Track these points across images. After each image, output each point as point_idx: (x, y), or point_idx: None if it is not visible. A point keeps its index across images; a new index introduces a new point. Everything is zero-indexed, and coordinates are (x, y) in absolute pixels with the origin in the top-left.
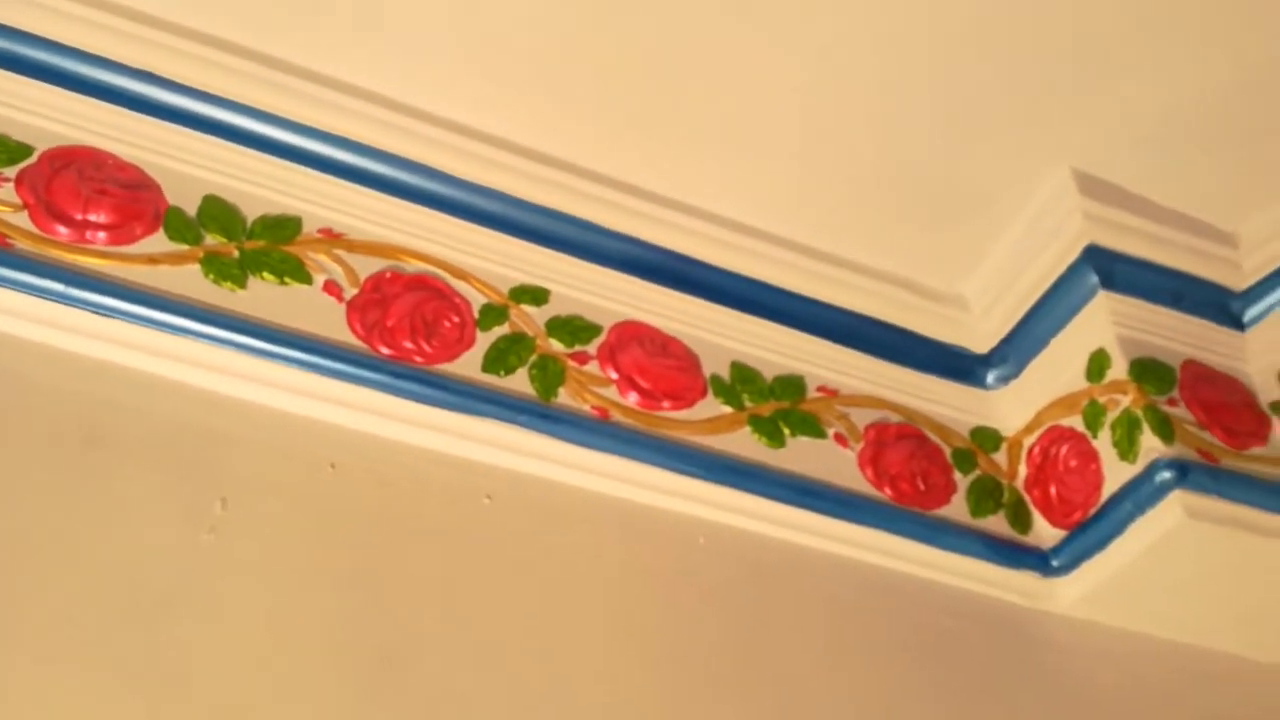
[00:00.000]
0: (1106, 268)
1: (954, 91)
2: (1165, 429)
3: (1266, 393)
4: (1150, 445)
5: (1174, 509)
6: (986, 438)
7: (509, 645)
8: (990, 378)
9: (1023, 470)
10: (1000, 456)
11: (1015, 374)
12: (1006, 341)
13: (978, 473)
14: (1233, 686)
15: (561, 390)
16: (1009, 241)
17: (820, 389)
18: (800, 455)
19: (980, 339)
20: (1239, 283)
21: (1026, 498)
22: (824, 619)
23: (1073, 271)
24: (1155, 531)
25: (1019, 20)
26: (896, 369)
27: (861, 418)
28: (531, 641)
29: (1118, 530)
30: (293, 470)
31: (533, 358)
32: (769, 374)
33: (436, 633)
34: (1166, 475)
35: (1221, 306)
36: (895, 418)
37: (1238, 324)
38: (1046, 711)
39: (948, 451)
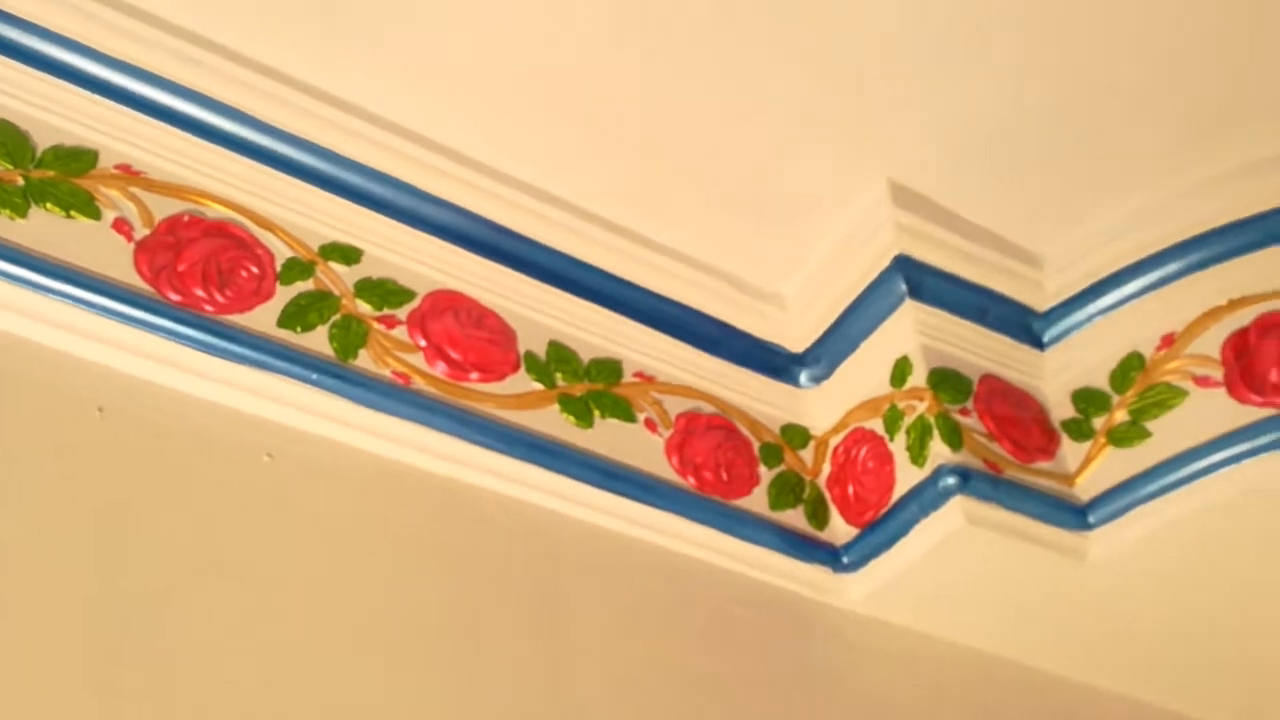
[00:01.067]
0: (915, 278)
1: (780, 95)
2: (954, 437)
3: (1059, 410)
4: (939, 451)
5: (955, 514)
6: (796, 434)
7: (271, 608)
8: (803, 377)
9: (827, 468)
10: (807, 453)
11: (827, 375)
12: (820, 343)
13: (782, 468)
14: (1006, 689)
15: (362, 352)
16: (827, 246)
17: (637, 374)
18: (608, 438)
19: (796, 338)
20: (1041, 303)
21: (827, 495)
22: (616, 601)
23: (882, 280)
24: (937, 534)
25: (839, 27)
26: (714, 361)
27: (675, 405)
28: (300, 606)
29: (903, 531)
30: (57, 410)
31: (335, 317)
32: (586, 355)
33: (191, 589)
34: (950, 481)
35: (1024, 325)
36: (709, 408)
37: (1038, 343)
38: (826, 702)
39: (756, 445)
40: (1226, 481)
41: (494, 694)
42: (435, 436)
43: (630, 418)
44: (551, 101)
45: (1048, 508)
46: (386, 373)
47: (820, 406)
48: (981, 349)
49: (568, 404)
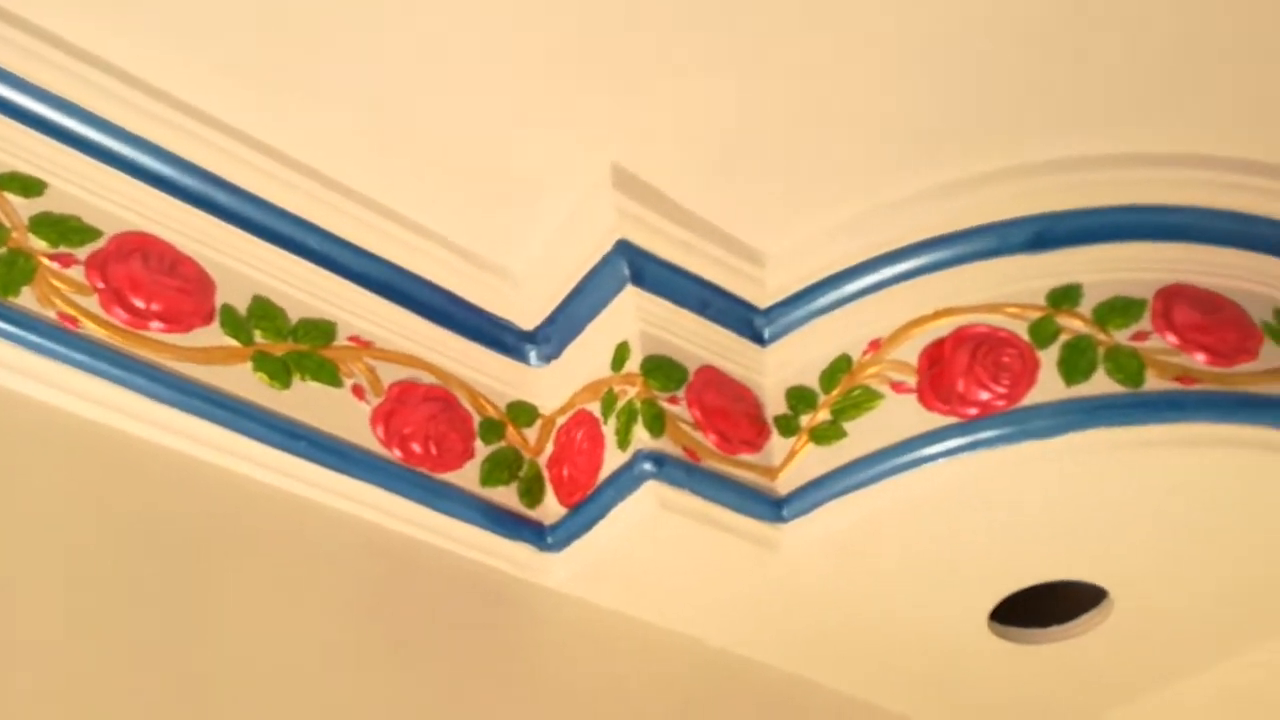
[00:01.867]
0: (637, 265)
1: (512, 66)
2: (656, 423)
3: (774, 406)
4: (640, 436)
5: (648, 498)
6: (522, 412)
7: None
8: (534, 355)
9: (550, 448)
10: (532, 432)
11: (556, 354)
12: (550, 322)
13: (501, 444)
14: (705, 674)
15: (26, 289)
16: (556, 224)
17: (353, 338)
18: (305, 401)
19: (526, 315)
20: (762, 300)
21: (546, 474)
22: (295, 569)
23: (606, 264)
24: (632, 517)
25: (578, 2)
26: (439, 331)
27: (391, 373)
28: None
29: (603, 513)
30: None
31: (0, 250)
32: (296, 314)
33: None
34: (646, 466)
35: (746, 320)
36: (429, 379)
37: (759, 339)
38: (520, 679)
39: (477, 420)
40: (910, 482)
41: (134, 654)
42: (102, 385)
43: (335, 382)
44: (272, 51)
45: (743, 498)
46: (51, 314)
47: (550, 386)
48: (702, 340)
49: (263, 362)
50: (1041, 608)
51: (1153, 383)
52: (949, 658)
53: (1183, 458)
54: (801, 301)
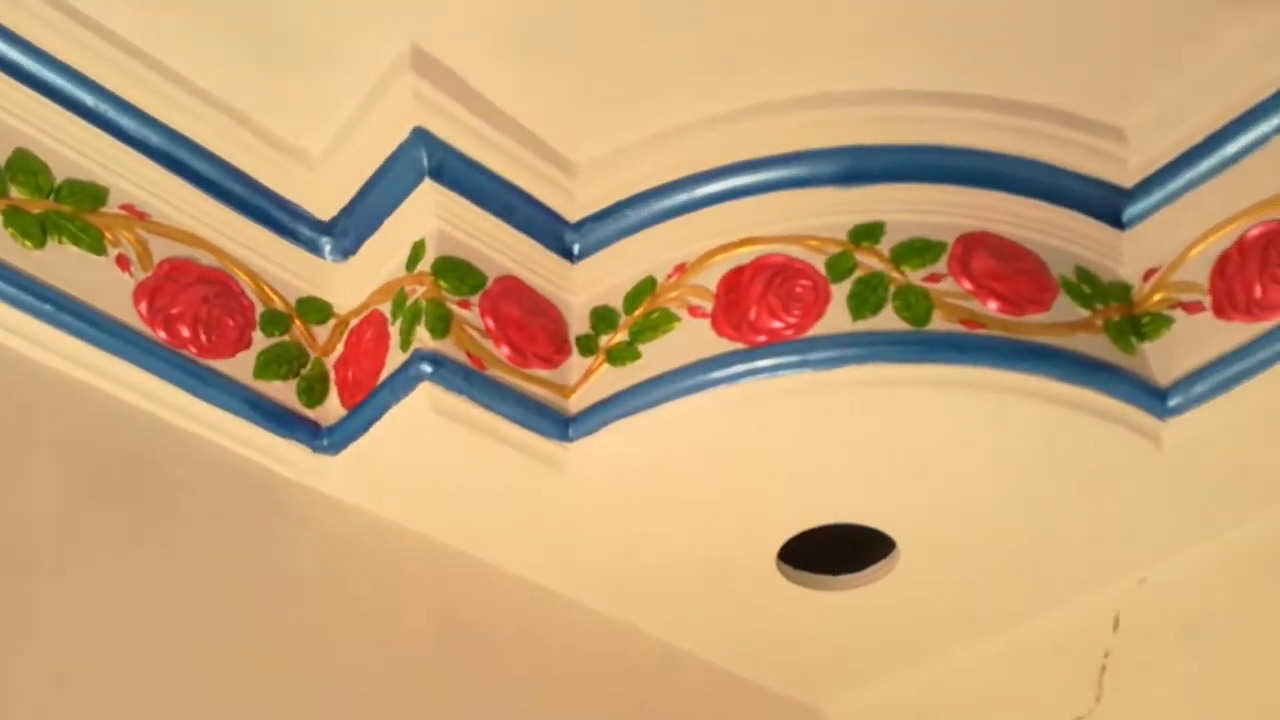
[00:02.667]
0: (437, 157)
1: None
2: (440, 325)
3: (579, 326)
4: (422, 337)
5: (422, 400)
6: (314, 308)
7: None
8: (329, 249)
9: (340, 349)
10: (323, 331)
11: (354, 250)
12: (346, 213)
13: (284, 339)
14: (470, 585)
15: None
16: (352, 104)
17: (125, 206)
18: (60, 265)
19: (323, 204)
20: (572, 213)
21: (332, 375)
22: (42, 436)
23: (403, 153)
24: (406, 420)
25: None
26: (228, 212)
27: (164, 249)
28: None
29: (378, 415)
30: None
31: None
32: (62, 173)
33: None
34: (423, 367)
35: (555, 234)
36: (208, 260)
37: (569, 254)
38: (279, 580)
39: (259, 310)
40: (694, 406)
41: None
42: None
43: (98, 249)
44: None
45: (529, 413)
46: None
47: (347, 285)
48: (506, 248)
49: (14, 218)
50: (842, 557)
51: (938, 323)
52: (738, 597)
53: (964, 402)
54: (612, 218)
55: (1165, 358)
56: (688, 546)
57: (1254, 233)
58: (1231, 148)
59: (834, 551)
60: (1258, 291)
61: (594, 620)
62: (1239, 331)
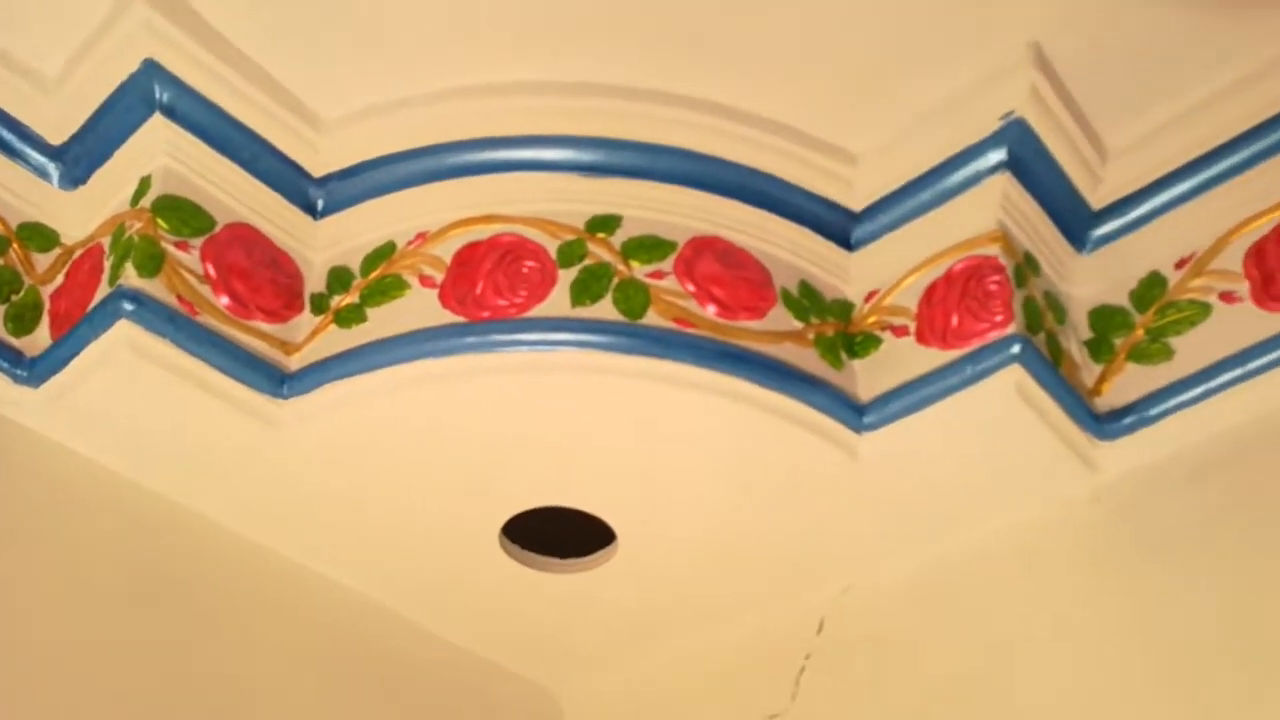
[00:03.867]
0: (169, 94)
1: None
2: (150, 264)
3: (316, 284)
4: (129, 273)
5: (119, 338)
6: (36, 235)
7: None
8: (57, 175)
9: (60, 280)
10: (45, 259)
11: (84, 179)
12: (78, 140)
13: None
14: (176, 537)
15: None
16: (88, 28)
17: None
18: None
19: (54, 128)
20: (316, 169)
21: (46, 305)
22: None
23: (133, 84)
24: (102, 357)
25: None
26: None
27: None
28: None
29: (78, 350)
30: None
31: None
32: None
33: None
34: (124, 304)
35: (298, 188)
36: None
37: (311, 210)
38: None
39: None
40: (408, 375)
41: None
42: None
43: None
44: None
45: (242, 365)
46: None
47: (75, 214)
48: (244, 195)
49: None
50: (578, 542)
51: (652, 318)
52: (463, 571)
53: (673, 399)
54: (357, 177)
55: (870, 376)
56: (408, 515)
57: (959, 266)
58: (950, 182)
59: (571, 535)
60: (954, 321)
61: (312, 582)
62: (934, 357)
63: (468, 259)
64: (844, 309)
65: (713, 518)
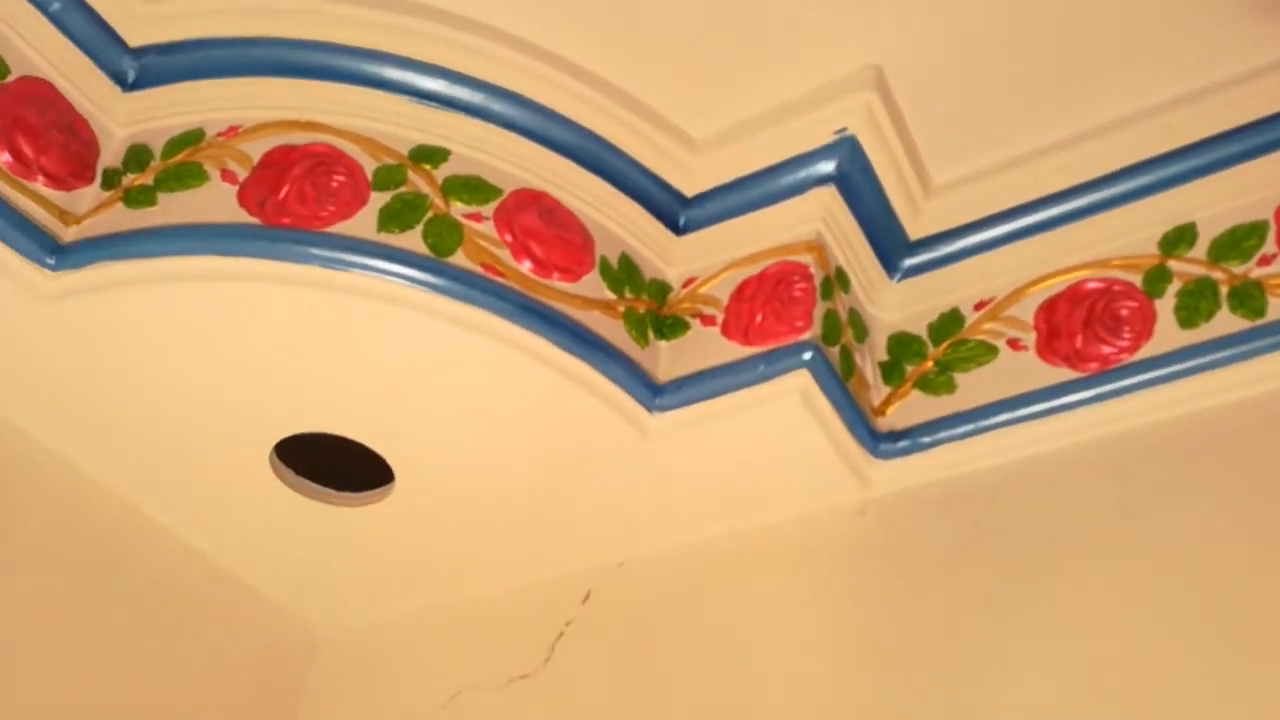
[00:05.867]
0: None
1: None
2: None
3: (112, 158)
4: None
5: None
6: None
7: None
8: None
9: None
10: None
11: None
12: None
13: None
14: None
15: None
16: None
17: None
18: None
19: None
20: (133, 39)
21: None
22: None
23: None
24: None
25: None
26: None
27: None
28: None
29: None
30: None
31: None
32: None
33: None
34: None
35: (110, 54)
36: None
37: (122, 80)
38: None
39: None
40: (191, 267)
41: None
42: None
43: None
44: None
45: (11, 225)
46: None
47: None
48: (45, 48)
49: None
50: (358, 482)
51: (459, 259)
52: (227, 488)
53: (470, 346)
54: (175, 54)
55: (673, 359)
56: (172, 419)
57: (773, 268)
58: (780, 185)
59: (357, 472)
60: (758, 319)
61: (59, 471)
62: (733, 350)
63: (277, 161)
64: (661, 289)
65: (495, 473)
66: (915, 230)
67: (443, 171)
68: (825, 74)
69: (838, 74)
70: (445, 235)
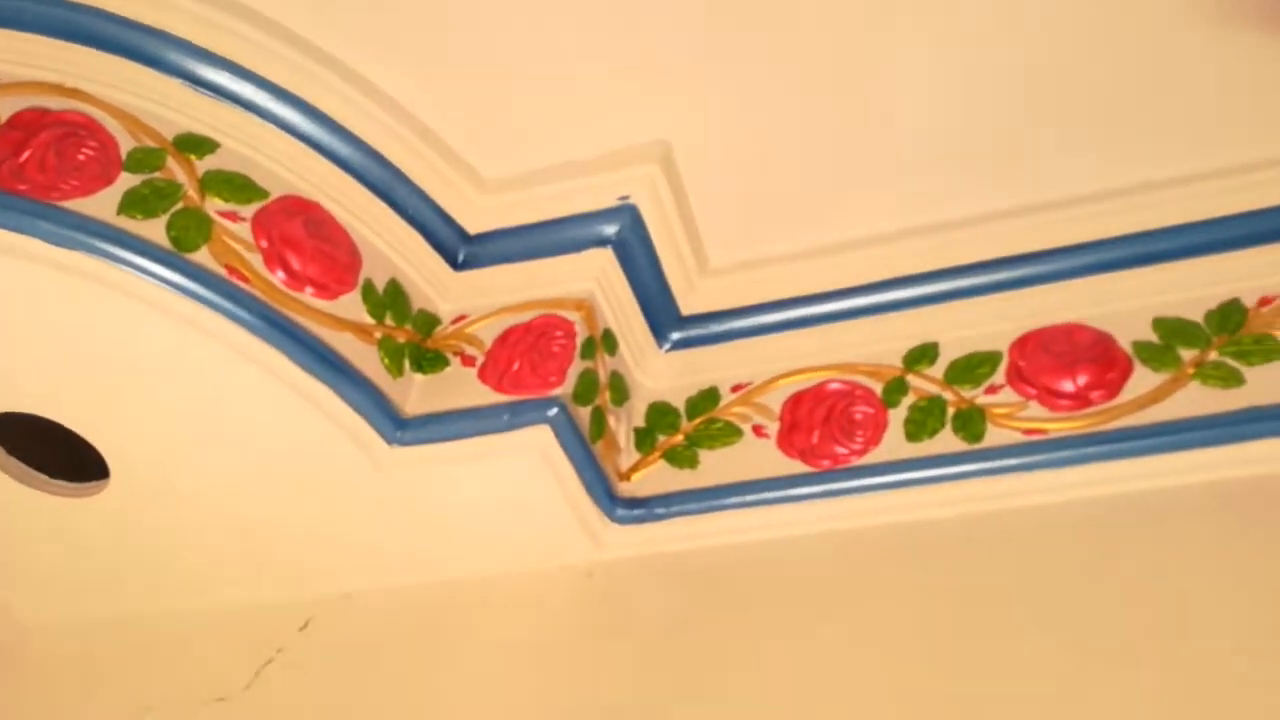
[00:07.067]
0: None
1: None
2: None
3: None
4: None
5: None
6: None
7: None
8: None
9: None
10: None
11: None
12: None
13: None
14: None
15: None
16: None
17: None
18: None
19: None
20: None
21: None
22: None
23: None
24: None
25: None
26: None
27: None
28: None
29: None
30: None
31: None
32: None
33: None
34: None
35: None
36: None
37: None
38: None
39: None
40: None
41: None
42: None
43: None
44: None
45: None
46: None
47: None
48: None
49: None
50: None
51: (203, 257)
52: None
53: (210, 354)
54: None
55: (426, 394)
56: None
57: (540, 320)
58: (561, 238)
59: (82, 459)
60: (515, 367)
61: None
62: (485, 395)
63: (27, 124)
64: (429, 322)
65: (219, 484)
66: (687, 306)
67: (207, 164)
68: (619, 140)
69: (630, 142)
70: (191, 230)
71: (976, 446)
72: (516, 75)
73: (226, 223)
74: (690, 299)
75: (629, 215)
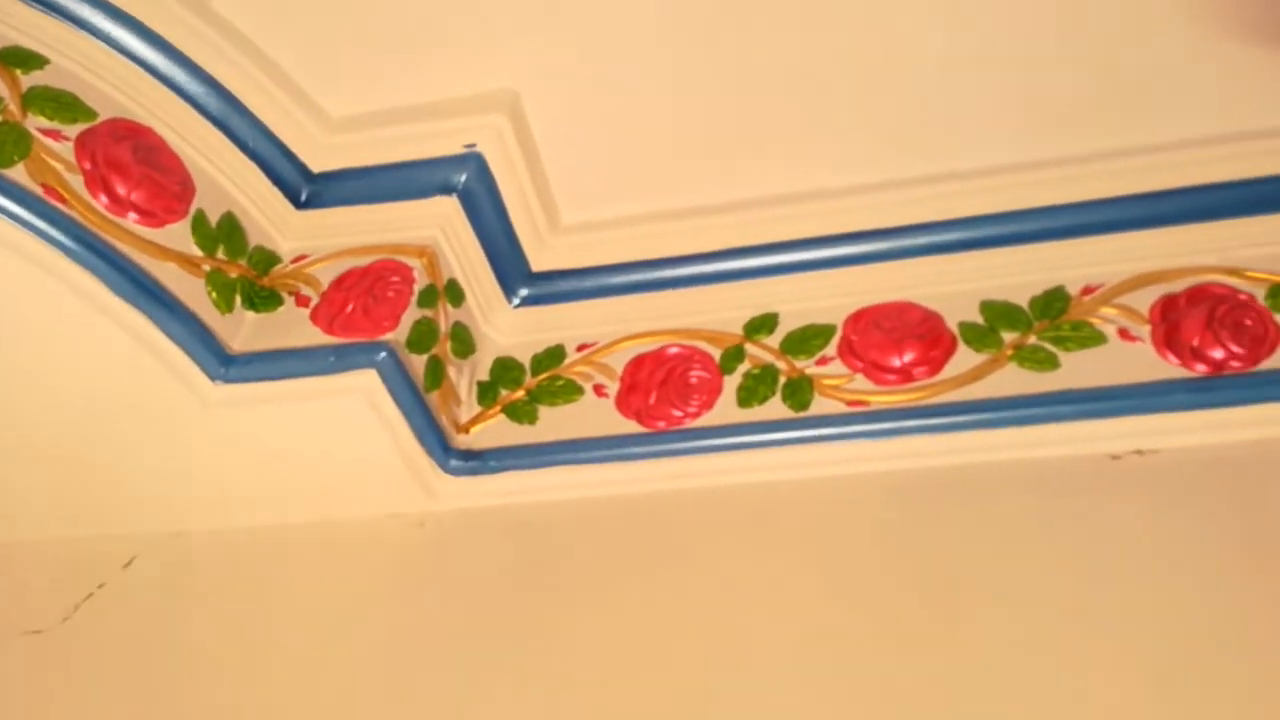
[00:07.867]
0: None
1: None
2: None
3: None
4: None
5: None
6: None
7: None
8: None
9: None
10: None
11: None
12: None
13: None
14: None
15: None
16: None
17: None
18: None
19: None
20: None
21: None
22: None
23: None
24: None
25: None
26: None
27: None
28: None
29: None
30: None
31: None
32: None
33: None
34: None
35: None
36: None
37: None
38: None
39: None
40: None
41: None
42: None
43: None
44: None
45: None
46: None
47: None
48: None
49: None
50: None
51: (19, 174)
52: None
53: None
54: None
55: (256, 332)
56: None
57: (379, 264)
58: (407, 184)
59: None
60: (349, 310)
61: None
62: (314, 336)
63: None
64: (266, 259)
65: (42, 413)
66: (538, 262)
67: (33, 79)
68: (470, 87)
69: (481, 89)
70: (7, 145)
71: (802, 414)
72: (369, 13)
73: (49, 141)
74: (541, 255)
75: (475, 164)
